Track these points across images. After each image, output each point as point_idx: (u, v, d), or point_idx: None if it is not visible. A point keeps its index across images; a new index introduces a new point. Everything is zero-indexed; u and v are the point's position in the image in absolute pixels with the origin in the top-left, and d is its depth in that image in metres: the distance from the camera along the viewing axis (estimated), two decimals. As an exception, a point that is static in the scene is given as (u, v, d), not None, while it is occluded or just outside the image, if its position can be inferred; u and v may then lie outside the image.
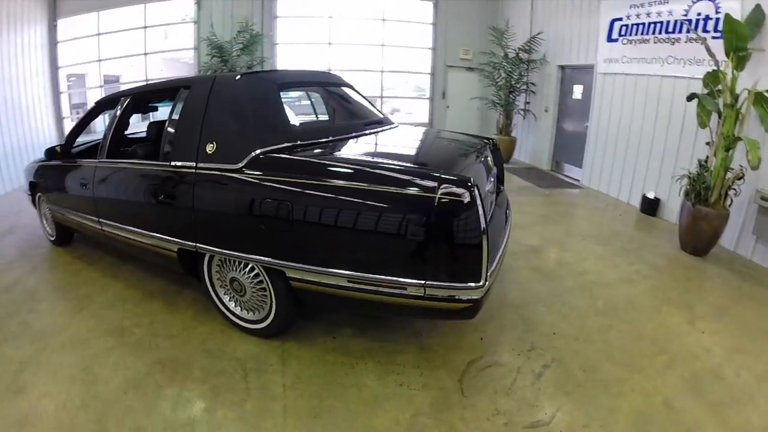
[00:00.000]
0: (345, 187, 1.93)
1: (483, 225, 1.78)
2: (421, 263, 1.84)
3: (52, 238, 4.19)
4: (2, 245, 4.25)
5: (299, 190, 2.02)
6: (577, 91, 7.03)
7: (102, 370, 2.34)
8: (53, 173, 3.65)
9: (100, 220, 3.10)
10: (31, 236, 4.47)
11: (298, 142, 2.30)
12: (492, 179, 2.64)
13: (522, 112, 8.43)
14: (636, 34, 5.35)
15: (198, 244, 2.42)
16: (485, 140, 3.06)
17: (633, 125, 5.55)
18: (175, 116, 2.53)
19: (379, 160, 2.26)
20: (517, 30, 8.24)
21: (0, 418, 2.00)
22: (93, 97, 9.88)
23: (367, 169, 2.01)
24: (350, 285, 1.99)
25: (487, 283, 1.85)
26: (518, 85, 8.22)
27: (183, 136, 2.41)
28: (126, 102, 3.03)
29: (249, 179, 2.15)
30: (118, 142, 3.06)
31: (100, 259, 3.83)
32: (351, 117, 3.29)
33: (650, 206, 5.22)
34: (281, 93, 2.49)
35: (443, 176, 1.81)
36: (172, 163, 2.43)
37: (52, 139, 7.93)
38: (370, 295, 1.97)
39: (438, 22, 9.27)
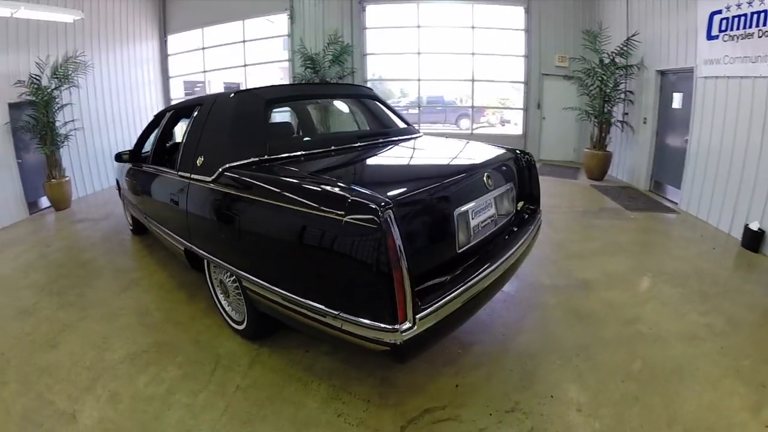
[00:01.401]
0: (272, 204, 2.04)
1: (396, 255, 1.60)
2: (333, 291, 1.79)
3: (131, 228, 5.16)
4: (95, 229, 5.38)
5: (243, 204, 2.26)
6: (677, 99, 6.27)
7: (116, 341, 2.90)
8: (124, 174, 4.52)
9: (146, 217, 3.79)
10: (119, 224, 5.55)
11: (265, 157, 2.43)
12: (496, 201, 2.47)
13: (619, 124, 7.75)
14: (738, 29, 4.63)
15: (192, 245, 2.85)
16: (514, 154, 2.93)
17: (737, 138, 4.79)
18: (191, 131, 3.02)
19: (322, 176, 2.23)
20: (612, 32, 7.62)
21: (32, 363, 2.66)
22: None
23: (293, 187, 2.03)
24: (286, 303, 2.02)
25: (410, 326, 1.65)
26: (614, 94, 7.58)
27: (187, 148, 2.87)
28: (168, 115, 3.67)
29: (215, 190, 2.46)
30: (161, 151, 3.71)
31: (161, 250, 4.60)
32: (349, 129, 3.47)
33: (753, 239, 4.41)
34: (271, 108, 2.80)
35: (352, 197, 1.72)
36: (179, 173, 2.90)
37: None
38: (302, 318, 1.96)
39: (531, 28, 8.99)
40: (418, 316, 1.66)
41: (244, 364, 2.61)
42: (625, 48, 7.16)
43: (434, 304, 1.77)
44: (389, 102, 4.35)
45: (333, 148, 2.73)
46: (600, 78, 7.59)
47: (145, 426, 2.14)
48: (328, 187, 1.89)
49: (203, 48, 9.88)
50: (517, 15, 9.08)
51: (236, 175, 2.36)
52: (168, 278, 3.91)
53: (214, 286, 3.04)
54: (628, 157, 7.67)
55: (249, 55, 9.86)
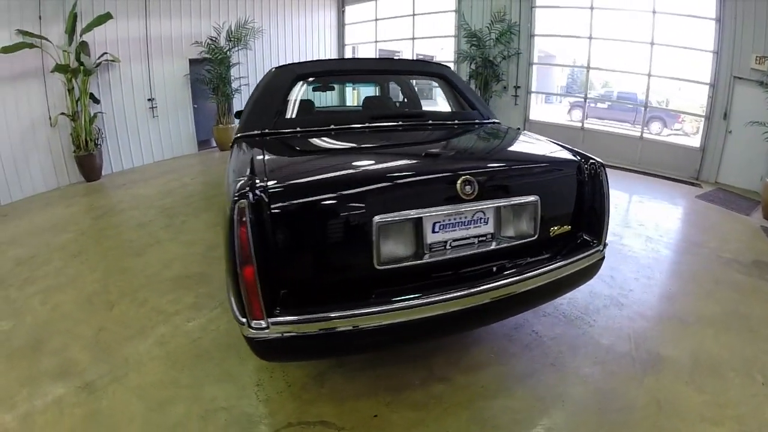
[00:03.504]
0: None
1: (245, 251, 1.54)
2: (227, 277, 1.74)
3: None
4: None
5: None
6: None
7: (183, 263, 3.74)
8: None
9: None
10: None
11: (266, 131, 2.50)
12: (496, 216, 2.01)
13: None
14: None
15: None
16: (561, 158, 2.32)
17: None
18: None
19: (263, 157, 2.05)
20: None
21: (118, 263, 3.65)
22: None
23: (236, 164, 2.05)
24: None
25: (263, 327, 1.59)
26: None
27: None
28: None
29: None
30: None
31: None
32: (382, 108, 3.54)
33: None
34: (302, 83, 2.98)
35: (239, 182, 1.67)
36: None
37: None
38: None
39: (724, 17, 7.03)
40: (271, 320, 1.60)
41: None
42: None
43: (296, 315, 1.63)
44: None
45: (332, 127, 2.64)
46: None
47: (149, 318, 2.87)
48: (245, 169, 1.85)
49: (376, 19, 10.71)
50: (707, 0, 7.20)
51: (234, 145, 2.64)
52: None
53: None
54: None
55: (418, 29, 10.30)
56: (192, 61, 8.07)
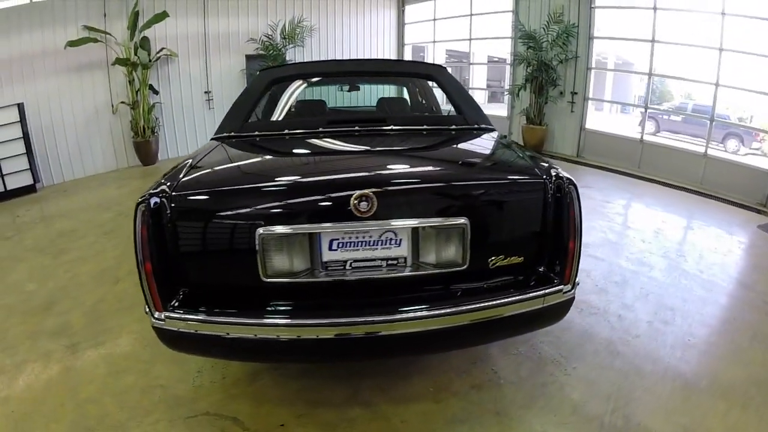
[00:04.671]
0: None
1: (143, 248, 1.69)
2: None
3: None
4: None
5: None
6: None
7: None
8: None
9: None
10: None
11: (232, 134, 2.57)
12: (413, 239, 1.82)
13: None
14: None
15: None
16: (532, 176, 1.98)
17: None
18: None
19: (201, 160, 2.17)
20: None
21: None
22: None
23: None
24: None
25: (160, 319, 1.73)
26: None
27: None
28: None
29: None
30: None
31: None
32: (343, 112, 3.50)
33: None
34: (276, 86, 3.03)
35: (152, 186, 1.81)
36: None
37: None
38: None
39: None
40: (165, 314, 1.72)
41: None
42: None
43: (185, 313, 1.73)
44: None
45: (286, 132, 2.64)
46: None
47: (141, 297, 3.19)
48: (172, 171, 1.99)
49: (434, 19, 10.74)
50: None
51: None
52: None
53: None
54: None
55: (475, 29, 10.23)
56: (248, 57, 8.67)
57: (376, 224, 1.76)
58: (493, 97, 15.72)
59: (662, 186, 6.71)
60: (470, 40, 10.49)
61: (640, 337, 2.82)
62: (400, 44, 11.51)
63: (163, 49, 7.23)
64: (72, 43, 5.97)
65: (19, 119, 5.73)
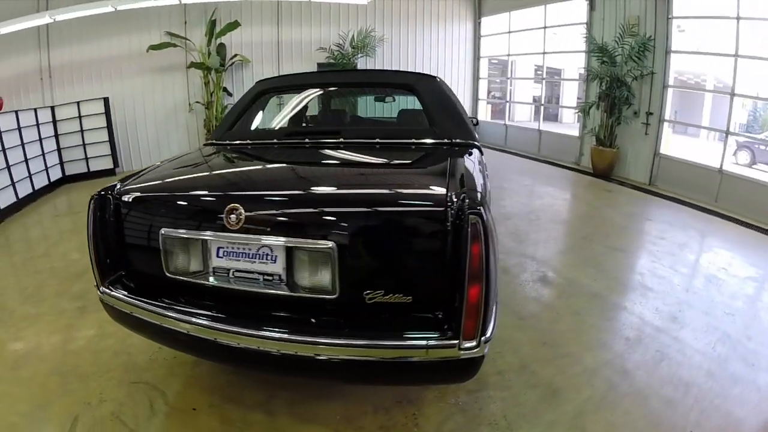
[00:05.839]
0: None
1: (93, 233, 2.05)
2: None
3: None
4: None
5: None
6: None
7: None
8: None
9: None
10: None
11: (213, 142, 2.88)
12: (289, 258, 1.78)
13: None
14: None
15: None
16: (429, 200, 1.86)
17: None
18: None
19: (163, 164, 2.48)
20: None
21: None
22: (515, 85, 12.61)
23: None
24: None
25: (104, 291, 2.04)
26: None
27: None
28: None
29: None
30: None
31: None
32: (339, 122, 3.60)
33: None
34: (264, 97, 3.14)
35: (110, 185, 2.16)
36: None
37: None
38: None
39: None
40: (101, 289, 2.06)
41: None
42: None
43: (113, 291, 2.03)
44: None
45: (248, 142, 2.90)
46: None
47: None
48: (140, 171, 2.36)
49: (509, 32, 10.59)
50: None
51: None
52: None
53: None
54: None
55: (549, 43, 9.95)
56: (319, 65, 9.25)
57: (253, 238, 1.80)
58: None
59: (740, 225, 5.57)
60: (543, 54, 10.21)
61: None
62: (476, 57, 11.48)
63: (236, 55, 8.04)
64: (153, 47, 6.92)
65: (104, 111, 6.79)
